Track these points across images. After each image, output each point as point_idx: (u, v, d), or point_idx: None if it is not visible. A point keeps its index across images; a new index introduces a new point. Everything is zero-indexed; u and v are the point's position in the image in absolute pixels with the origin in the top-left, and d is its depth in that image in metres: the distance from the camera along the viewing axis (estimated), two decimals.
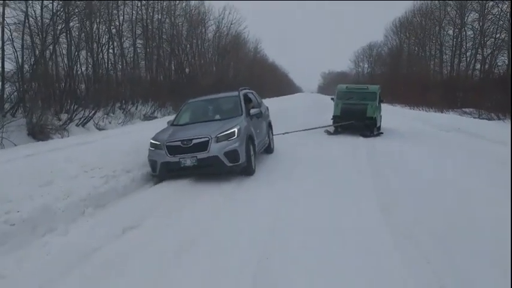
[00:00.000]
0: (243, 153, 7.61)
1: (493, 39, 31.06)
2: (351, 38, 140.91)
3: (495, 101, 23.18)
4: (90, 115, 19.65)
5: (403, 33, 47.75)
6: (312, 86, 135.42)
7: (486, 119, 21.09)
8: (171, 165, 7.53)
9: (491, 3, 30.66)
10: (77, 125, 19.00)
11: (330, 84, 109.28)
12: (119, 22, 26.93)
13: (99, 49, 23.90)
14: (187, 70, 36.06)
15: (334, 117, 14.28)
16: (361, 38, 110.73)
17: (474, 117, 21.83)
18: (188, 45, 37.01)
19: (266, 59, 72.19)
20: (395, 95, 32.90)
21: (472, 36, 34.12)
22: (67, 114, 18.42)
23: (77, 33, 20.53)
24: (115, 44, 26.77)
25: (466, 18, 34.12)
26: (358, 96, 14.60)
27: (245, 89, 10.33)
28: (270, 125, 10.96)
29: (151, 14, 30.98)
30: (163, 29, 32.77)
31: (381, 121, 15.10)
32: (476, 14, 32.99)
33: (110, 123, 23.06)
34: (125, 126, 21.71)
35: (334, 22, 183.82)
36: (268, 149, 10.43)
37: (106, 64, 25.52)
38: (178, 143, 7.54)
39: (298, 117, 20.74)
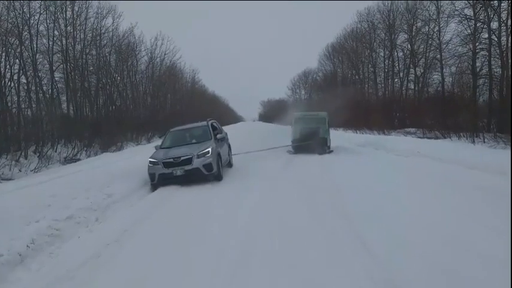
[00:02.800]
0: (215, 165, 10.57)
1: (424, 59, 30.94)
2: (288, 66, 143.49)
3: (435, 119, 22.40)
4: None
5: (336, 58, 47.65)
6: (253, 115, 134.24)
7: (431, 138, 19.94)
8: (166, 175, 10.25)
9: (419, 23, 30.74)
10: None
11: (270, 111, 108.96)
12: (32, 51, 23.11)
13: (4, 84, 20.01)
14: (117, 103, 32.46)
15: (294, 140, 16.79)
16: (297, 65, 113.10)
17: (419, 137, 20.61)
18: (118, 77, 33.48)
19: (205, 89, 69.72)
20: (335, 119, 31.51)
21: (403, 57, 34.03)
22: None
23: None
24: (28, 77, 22.83)
25: (395, 39, 34.03)
26: (311, 121, 17.15)
27: (211, 119, 13.18)
28: (229, 147, 13.94)
29: (71, 43, 27.29)
30: (88, 60, 29.11)
31: (330, 142, 17.26)
32: (405, 34, 33.02)
33: (20, 171, 19.04)
34: (38, 174, 17.83)
35: (270, 50, 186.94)
36: (229, 164, 13.37)
37: (15, 100, 21.52)
38: (171, 160, 10.36)
39: (246, 143, 20.16)
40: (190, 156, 10.22)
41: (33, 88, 23.41)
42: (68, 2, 26.73)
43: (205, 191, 9.52)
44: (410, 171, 10.10)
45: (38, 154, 21.36)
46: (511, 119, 14.95)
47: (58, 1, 25.50)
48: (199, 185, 10.00)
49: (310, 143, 15.98)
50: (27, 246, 5.15)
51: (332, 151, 16.51)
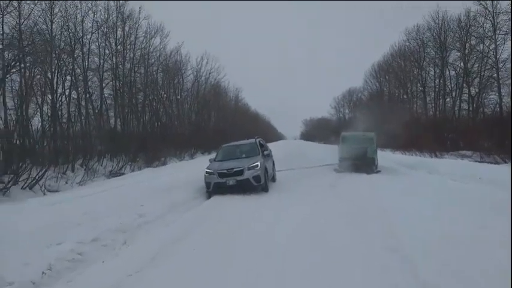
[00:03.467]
0: (263, 178, 11.77)
1: (478, 78, 28.88)
2: (330, 84, 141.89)
3: (494, 142, 20.51)
4: (40, 175, 16.04)
5: (383, 77, 45.96)
6: (294, 133, 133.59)
7: (491, 162, 18.13)
8: (220, 184, 11.44)
9: (473, 41, 28.83)
10: (23, 188, 15.39)
11: (311, 130, 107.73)
12: (83, 68, 23.80)
13: (56, 99, 20.59)
14: (163, 120, 32.84)
15: (341, 158, 17.18)
16: (341, 84, 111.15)
17: (477, 161, 18.86)
18: (164, 94, 34.02)
19: (248, 108, 69.93)
20: (382, 139, 29.77)
21: (455, 75, 32.02)
22: (12, 174, 14.97)
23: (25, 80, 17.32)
24: (79, 93, 23.47)
25: (447, 57, 32.13)
26: (360, 141, 17.47)
27: (258, 137, 14.52)
28: (273, 163, 15.02)
29: (121, 61, 27.97)
30: (136, 78, 29.74)
31: (377, 162, 17.42)
32: (458, 52, 31.11)
33: (66, 183, 19.35)
34: (83, 187, 17.98)
35: (314, 69, 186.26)
36: (273, 179, 14.38)
37: (66, 115, 22.10)
38: (225, 171, 11.57)
39: (290, 160, 21.42)
40: (242, 168, 11.58)
41: (83, 103, 23.97)
42: (118, 23, 27.56)
43: (254, 200, 10.53)
44: (472, 202, 8.38)
45: (84, 167, 21.78)
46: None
47: (110, 22, 26.28)
48: (248, 195, 11.24)
49: (358, 162, 16.40)
50: (43, 272, 4.63)
51: (380, 171, 16.56)
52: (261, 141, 14.42)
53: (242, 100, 62.13)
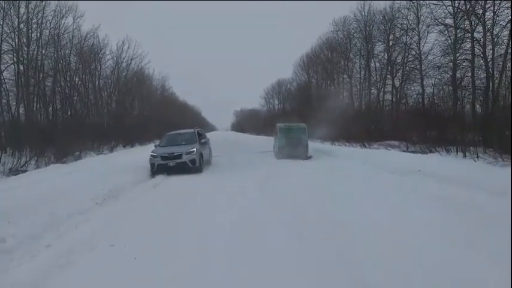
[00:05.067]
0: (198, 161, 14.13)
1: (401, 70, 29.71)
2: (262, 76, 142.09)
3: (418, 132, 20.95)
4: None
5: (311, 68, 46.13)
6: (225, 124, 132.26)
7: (417, 152, 18.31)
8: (162, 165, 13.71)
9: (397, 33, 29.48)
10: None
11: (242, 121, 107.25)
12: None
13: None
14: (77, 108, 29.49)
15: (280, 146, 18.80)
16: (272, 75, 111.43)
17: (404, 151, 18.95)
18: (79, 81, 30.55)
19: (176, 97, 66.85)
20: (310, 130, 29.42)
21: (380, 67, 32.73)
22: None
23: None
24: None
25: (373, 48, 32.70)
26: (294, 131, 19.43)
27: (197, 128, 17.38)
28: (210, 149, 17.51)
29: (25, 42, 24.28)
30: (44, 61, 26.15)
31: (308, 149, 19.14)
32: (383, 44, 31.75)
33: None
34: None
35: (244, 59, 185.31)
36: (208, 163, 16.62)
37: None
38: (167, 154, 13.88)
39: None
40: (181, 153, 13.85)
41: None
42: None
43: (190, 178, 12.91)
44: (432, 204, 6.97)
45: None
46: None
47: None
48: (186, 175, 13.37)
49: (294, 149, 18.21)
50: None
51: (311, 157, 18.50)
52: (200, 131, 16.86)
53: (169, 89, 59.09)
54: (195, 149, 14.02)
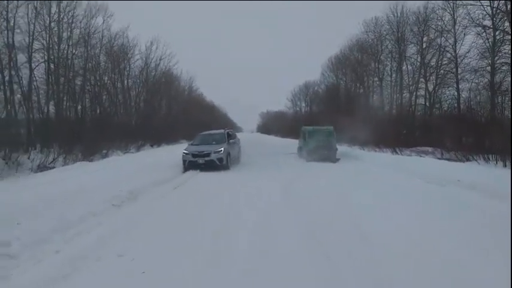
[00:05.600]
0: (225, 159, 15.25)
1: (435, 73, 28.42)
2: (289, 77, 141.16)
3: (454, 138, 19.85)
4: None
5: (340, 70, 45.07)
6: (251, 126, 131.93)
7: (452, 159, 17.28)
8: (192, 161, 15.03)
9: (432, 35, 28.22)
10: None
11: (268, 123, 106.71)
12: (7, 47, 20.51)
13: None
14: (105, 106, 29.80)
15: (308, 149, 18.90)
16: (299, 77, 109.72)
17: (438, 158, 17.93)
18: (108, 80, 30.91)
19: (203, 98, 67.11)
20: (338, 134, 28.39)
21: (412, 70, 31.49)
22: None
23: None
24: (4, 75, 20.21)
25: (405, 51, 31.46)
26: (322, 134, 19.86)
27: (228, 129, 18.91)
28: (239, 149, 19.26)
29: (56, 41, 24.69)
30: (75, 60, 26.53)
31: (336, 153, 19.19)
32: (415, 46, 30.52)
33: None
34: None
35: (271, 61, 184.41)
36: (237, 161, 17.95)
37: None
38: (197, 152, 15.19)
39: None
40: (210, 151, 15.00)
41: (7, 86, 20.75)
42: None
43: (217, 173, 14.06)
44: (478, 220, 6.26)
45: (6, 160, 18.75)
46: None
47: None
48: (214, 171, 14.46)
49: (324, 152, 18.43)
50: None
51: (339, 159, 18.71)
52: (230, 132, 18.13)
53: (197, 90, 59.35)
54: (222, 149, 15.17)
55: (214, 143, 15.98)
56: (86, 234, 5.64)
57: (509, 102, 21.52)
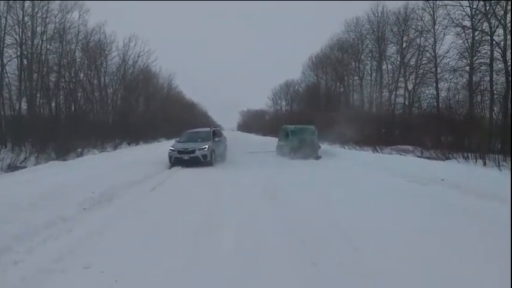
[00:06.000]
0: (209, 156, 15.83)
1: (415, 72, 28.68)
2: (269, 76, 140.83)
3: (433, 137, 19.97)
4: None
5: (320, 69, 45.09)
6: (231, 124, 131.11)
7: (432, 158, 17.30)
8: (178, 158, 15.70)
9: (412, 35, 28.45)
10: None
11: (249, 121, 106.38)
12: None
13: None
14: (81, 103, 28.82)
15: (292, 147, 19.35)
16: (280, 76, 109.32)
17: (418, 156, 17.96)
18: (84, 77, 29.91)
19: (183, 96, 66.16)
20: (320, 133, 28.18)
21: (392, 69, 31.73)
22: None
23: None
24: None
25: (385, 50, 31.67)
26: (304, 132, 20.45)
27: (214, 128, 20.03)
28: (225, 147, 19.68)
29: (30, 36, 23.66)
30: (49, 56, 25.51)
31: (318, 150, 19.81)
32: (395, 46, 30.74)
33: None
34: None
35: (252, 60, 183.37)
36: (223, 158, 18.29)
37: None
38: (182, 149, 15.84)
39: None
40: (194, 148, 15.69)
41: None
42: None
43: (201, 169, 14.66)
44: (466, 221, 6.06)
45: None
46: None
47: None
48: (198, 167, 15.07)
49: (307, 150, 18.93)
50: None
51: (321, 157, 19.04)
52: (216, 131, 18.89)
53: (176, 88, 58.40)
54: (207, 146, 15.84)
55: (199, 140, 16.68)
56: (53, 240, 5.15)
57: (488, 102, 21.88)
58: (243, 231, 5.64)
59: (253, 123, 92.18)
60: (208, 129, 18.70)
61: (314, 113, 38.87)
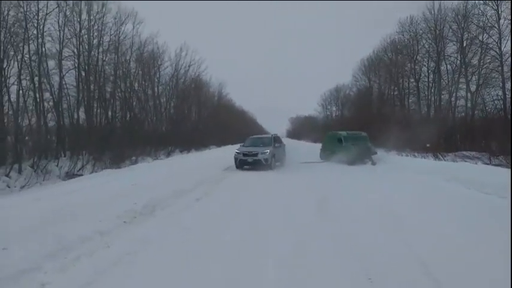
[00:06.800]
0: (270, 160, 16.83)
1: (477, 72, 26.26)
2: (319, 81, 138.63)
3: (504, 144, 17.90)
4: None
5: (373, 72, 43.08)
6: (280, 131, 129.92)
7: (502, 165, 15.38)
8: (243, 160, 17.02)
9: (473, 32, 26.09)
10: None
11: (298, 128, 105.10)
12: (39, 55, 20.35)
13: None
14: (136, 112, 29.47)
15: (350, 154, 19.20)
16: (330, 81, 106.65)
17: (486, 163, 16.05)
18: (138, 86, 30.63)
19: (232, 104, 66.55)
20: (373, 138, 26.37)
21: (451, 70, 29.36)
22: None
23: None
24: (34, 82, 20.05)
25: (444, 50, 29.39)
26: (358, 139, 20.51)
27: (275, 134, 20.61)
28: (284, 152, 20.42)
29: (87, 48, 24.52)
30: (105, 67, 26.33)
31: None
32: (455, 45, 28.42)
33: (8, 187, 16.18)
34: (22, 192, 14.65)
35: (301, 65, 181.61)
36: (282, 164, 19.23)
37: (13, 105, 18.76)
38: (247, 152, 17.10)
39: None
40: (257, 152, 16.84)
41: (38, 94, 20.55)
42: (82, 5, 24.01)
43: (262, 172, 15.60)
44: None
45: (34, 168, 18.51)
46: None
47: (71, 0, 22.70)
48: (259, 171, 15.97)
49: (365, 156, 19.39)
50: None
51: (376, 163, 18.81)
52: (276, 137, 19.81)
53: (226, 96, 58.82)
54: (268, 151, 16.94)
55: (261, 145, 17.85)
56: (87, 258, 4.65)
57: None
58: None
59: (302, 129, 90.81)
60: (269, 135, 20.02)
61: (367, 117, 37.08)
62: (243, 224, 6.37)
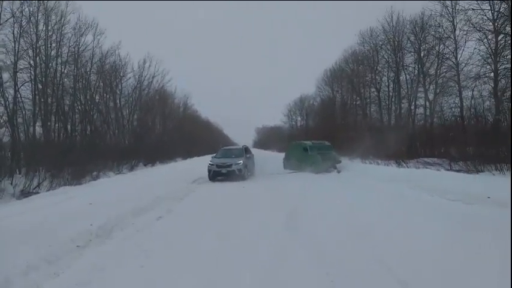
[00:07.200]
0: (244, 170, 17.50)
1: (435, 81, 27.26)
2: (284, 92, 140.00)
3: (460, 148, 18.55)
4: None
5: (336, 82, 43.93)
6: (247, 141, 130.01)
7: (462, 171, 15.82)
8: (216, 171, 17.41)
9: (430, 42, 27.09)
10: None
11: (264, 138, 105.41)
12: None
13: None
14: (98, 127, 28.33)
15: (315, 163, 20.01)
16: (295, 92, 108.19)
17: (447, 170, 16.49)
18: (100, 100, 29.52)
19: (198, 115, 65.84)
20: (338, 147, 26.72)
21: (410, 80, 30.31)
22: None
23: None
24: None
25: (402, 60, 30.34)
26: (323, 148, 21.43)
27: (245, 145, 21.64)
28: (254, 162, 20.80)
29: (44, 60, 23.35)
30: (64, 79, 25.18)
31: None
32: (413, 56, 29.40)
33: None
34: None
35: (266, 76, 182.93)
36: (252, 174, 19.59)
37: None
38: (220, 164, 17.49)
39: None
40: (231, 163, 17.35)
41: None
42: (40, 16, 22.88)
43: (236, 182, 16.19)
44: None
45: None
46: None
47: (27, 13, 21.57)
48: (233, 181, 16.33)
49: (330, 164, 20.22)
50: None
51: (340, 171, 19.66)
52: (246, 148, 20.81)
53: (192, 107, 58.09)
54: (241, 161, 17.54)
55: (233, 156, 18.38)
56: None
57: None
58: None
59: (268, 139, 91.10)
60: (240, 146, 20.87)
61: (331, 127, 37.69)
62: (209, 244, 5.99)
